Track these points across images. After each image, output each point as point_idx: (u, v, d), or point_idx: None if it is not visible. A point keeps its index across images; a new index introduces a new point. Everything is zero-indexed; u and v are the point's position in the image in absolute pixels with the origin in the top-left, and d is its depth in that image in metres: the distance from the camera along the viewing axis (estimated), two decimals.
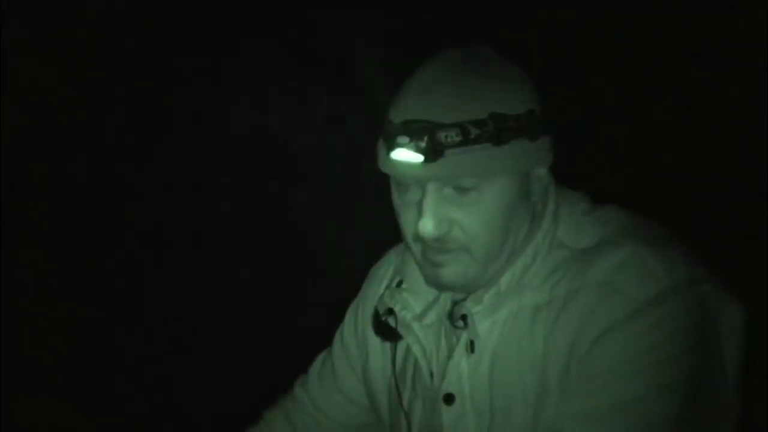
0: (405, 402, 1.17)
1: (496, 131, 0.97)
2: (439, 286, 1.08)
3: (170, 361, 2.56)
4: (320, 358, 1.41)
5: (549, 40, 2.35)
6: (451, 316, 1.10)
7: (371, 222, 2.48)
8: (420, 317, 1.14)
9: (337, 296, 1.41)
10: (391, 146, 1.00)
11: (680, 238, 1.06)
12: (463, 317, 1.07)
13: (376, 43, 2.45)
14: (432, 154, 0.96)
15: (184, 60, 2.49)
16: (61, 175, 2.55)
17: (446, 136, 0.96)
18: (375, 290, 1.27)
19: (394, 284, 1.20)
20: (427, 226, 1.00)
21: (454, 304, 1.11)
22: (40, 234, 2.56)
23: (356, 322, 1.32)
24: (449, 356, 1.10)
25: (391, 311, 1.15)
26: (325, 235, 2.61)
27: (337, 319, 1.37)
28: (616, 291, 0.97)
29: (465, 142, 0.96)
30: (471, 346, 1.06)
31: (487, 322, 1.05)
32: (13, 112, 2.47)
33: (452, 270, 1.04)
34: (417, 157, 0.97)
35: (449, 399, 1.08)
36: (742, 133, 2.32)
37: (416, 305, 1.15)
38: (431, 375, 1.12)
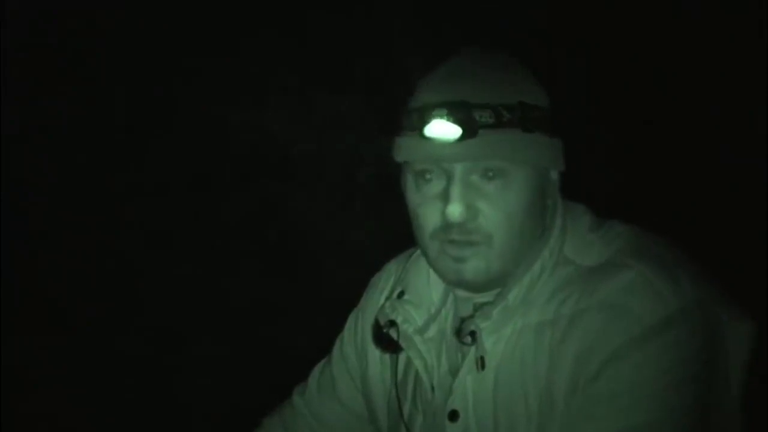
0: (405, 415, 1.17)
1: (525, 119, 0.98)
2: (461, 282, 1.06)
3: (169, 361, 2.56)
4: (319, 366, 1.40)
5: (548, 41, 2.35)
6: (458, 333, 1.08)
7: (371, 223, 2.48)
8: (422, 330, 1.13)
9: (336, 297, 1.40)
10: (427, 120, 0.99)
11: (686, 251, 1.05)
12: (472, 333, 1.05)
13: (378, 44, 2.45)
14: (467, 130, 0.97)
15: (184, 60, 2.49)
16: (60, 175, 2.55)
17: (480, 116, 0.97)
18: (375, 301, 1.26)
19: (395, 295, 1.18)
20: (456, 210, 0.99)
21: (462, 320, 1.09)
22: (41, 234, 2.56)
23: (356, 332, 1.31)
24: (453, 372, 1.09)
25: (392, 323, 1.14)
26: (325, 236, 2.61)
27: (337, 320, 1.37)
28: (623, 313, 0.96)
29: (497, 124, 0.97)
30: (481, 363, 1.05)
31: (492, 338, 1.04)
32: (13, 112, 2.47)
33: (475, 264, 1.02)
34: (455, 131, 0.97)
35: (454, 416, 1.07)
36: (742, 133, 2.31)
37: (418, 318, 1.14)
38: (432, 389, 1.12)
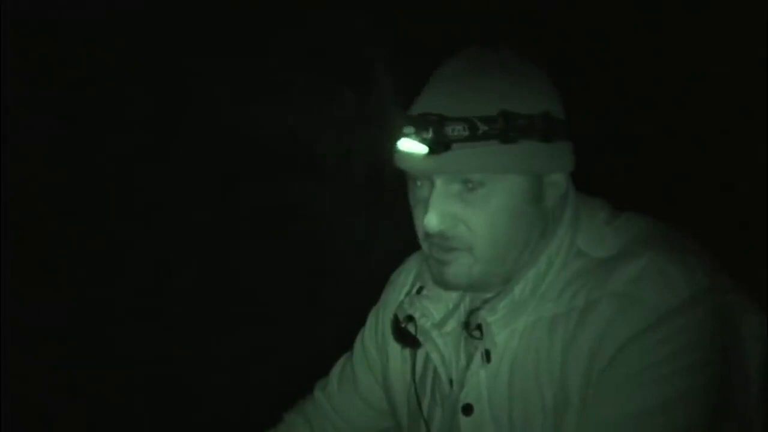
0: (424, 409, 1.17)
1: (505, 129, 0.97)
2: (444, 284, 1.07)
3: (187, 361, 2.55)
4: (341, 361, 1.41)
5: (551, 40, 2.36)
6: (467, 326, 1.09)
7: (394, 224, 2.48)
8: (439, 325, 1.14)
9: (358, 299, 1.41)
10: (399, 137, 1.01)
11: (702, 244, 1.05)
12: (479, 326, 1.06)
13: (398, 44, 2.45)
14: (437, 146, 0.97)
15: (203, 59, 2.49)
16: (60, 175, 2.55)
17: (453, 130, 0.97)
18: (395, 296, 1.27)
19: (414, 291, 1.20)
20: (432, 220, 1.01)
21: (470, 313, 1.10)
22: (40, 233, 2.55)
23: (377, 328, 1.32)
24: (468, 366, 1.09)
25: (411, 318, 1.15)
26: (347, 237, 2.60)
27: (358, 321, 1.38)
28: (636, 302, 0.96)
29: (472, 137, 0.97)
30: (487, 356, 1.06)
31: (505, 332, 1.05)
32: (13, 112, 2.46)
33: (456, 269, 1.04)
34: (421, 148, 0.99)
35: (468, 409, 1.08)
36: (742, 133, 2.32)
37: (436, 312, 1.15)
38: (450, 383, 1.12)
